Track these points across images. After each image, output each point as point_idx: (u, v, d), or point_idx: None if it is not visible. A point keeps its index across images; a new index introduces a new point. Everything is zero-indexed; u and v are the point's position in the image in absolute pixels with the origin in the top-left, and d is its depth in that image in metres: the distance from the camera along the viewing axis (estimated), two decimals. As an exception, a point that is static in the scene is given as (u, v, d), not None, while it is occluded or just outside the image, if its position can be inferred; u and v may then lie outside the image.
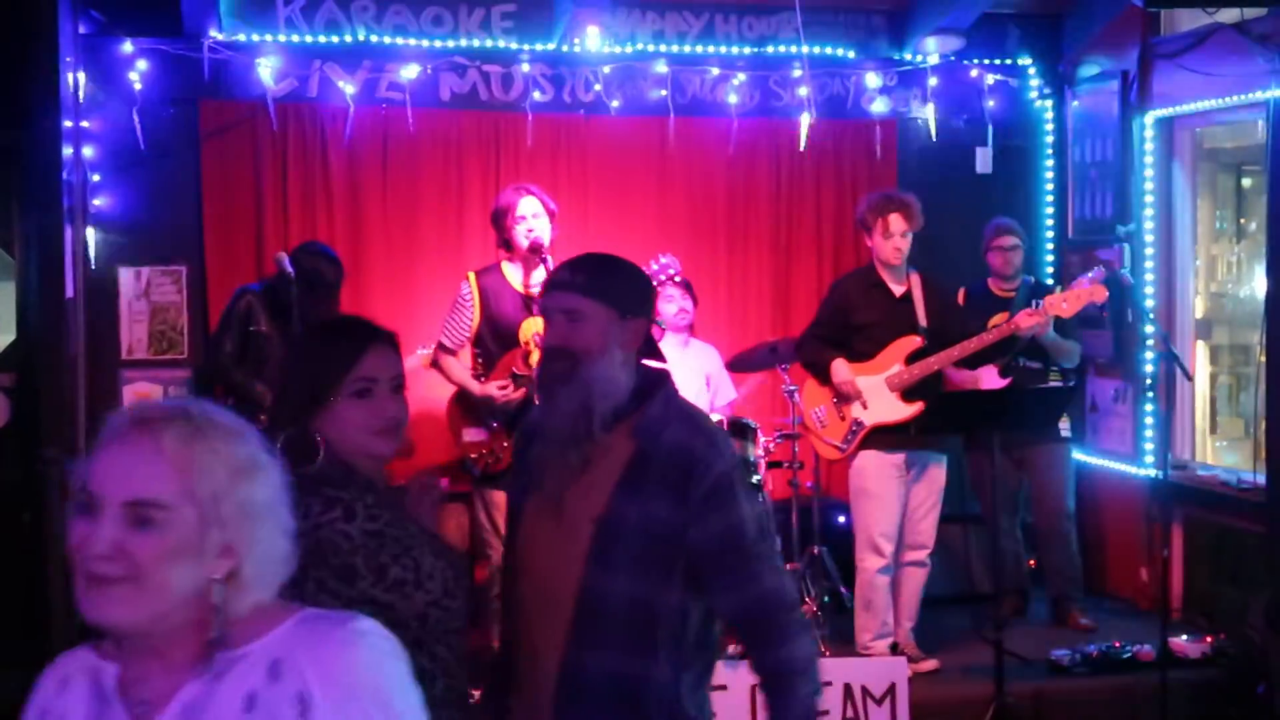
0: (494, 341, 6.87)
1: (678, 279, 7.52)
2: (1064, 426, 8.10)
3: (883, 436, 7.13)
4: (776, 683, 3.29)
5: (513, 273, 6.91)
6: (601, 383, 3.25)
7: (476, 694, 3.48)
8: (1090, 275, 7.38)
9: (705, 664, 3.37)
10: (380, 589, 2.88)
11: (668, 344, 7.85)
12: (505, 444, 6.66)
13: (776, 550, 3.42)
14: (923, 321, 7.22)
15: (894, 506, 7.16)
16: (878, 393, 7.13)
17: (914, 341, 7.17)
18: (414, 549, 2.95)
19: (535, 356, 6.69)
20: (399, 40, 8.47)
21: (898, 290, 7.25)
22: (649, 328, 3.41)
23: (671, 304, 7.73)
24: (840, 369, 7.14)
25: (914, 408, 7.07)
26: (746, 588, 3.25)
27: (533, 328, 6.78)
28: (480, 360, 6.96)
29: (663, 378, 3.41)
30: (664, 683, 3.22)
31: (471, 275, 6.98)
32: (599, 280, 3.31)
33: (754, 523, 3.28)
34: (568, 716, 3.21)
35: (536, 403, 3.50)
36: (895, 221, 7.14)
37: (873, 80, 9.01)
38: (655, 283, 7.58)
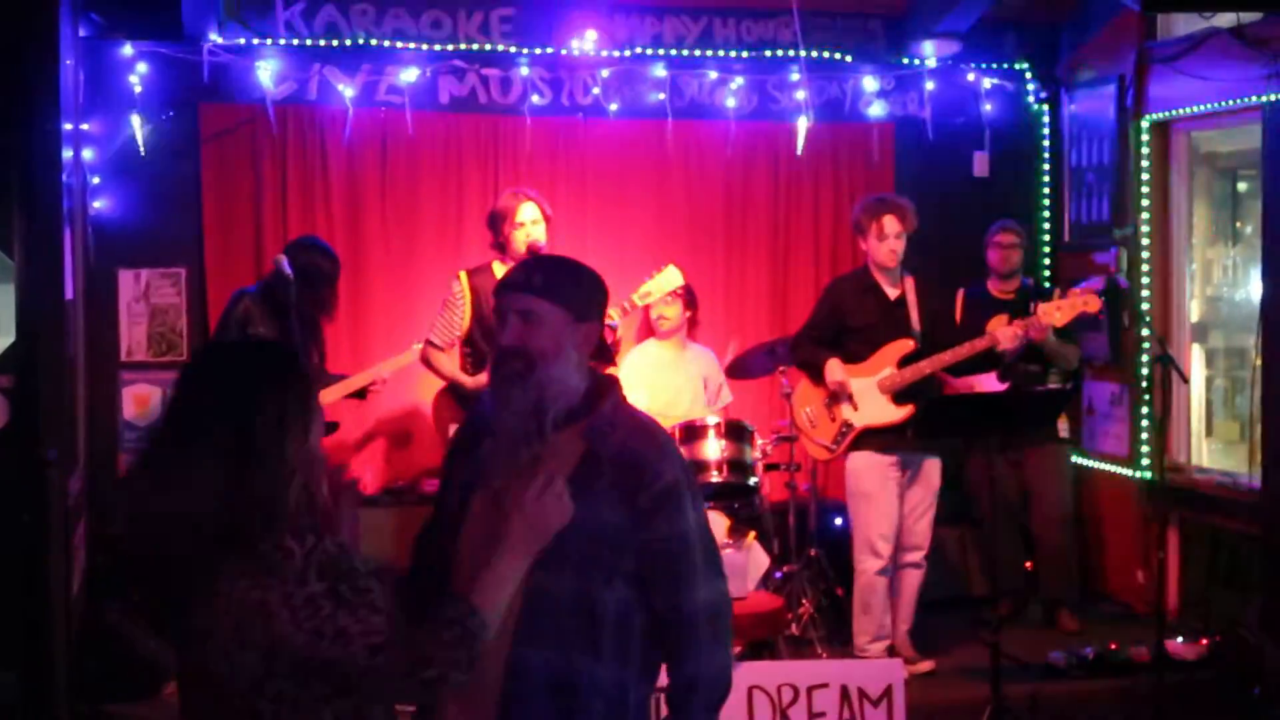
0: (484, 341, 6.90)
1: (679, 293, 7.62)
2: (1063, 428, 8.12)
3: (878, 438, 7.15)
4: (676, 697, 3.35)
5: (504, 272, 6.94)
6: (555, 383, 3.28)
7: None
8: (1087, 284, 7.39)
9: (656, 665, 3.42)
10: (325, 643, 2.80)
11: (664, 347, 7.88)
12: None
13: (718, 558, 3.42)
14: (916, 325, 7.24)
15: (891, 507, 7.18)
16: (869, 395, 7.14)
17: (906, 345, 7.18)
18: (349, 608, 2.84)
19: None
20: (398, 43, 8.48)
21: (892, 293, 7.27)
22: (601, 331, 3.46)
23: (670, 308, 7.77)
24: (834, 369, 7.16)
25: (905, 410, 7.08)
26: (677, 595, 3.30)
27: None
28: (469, 359, 6.99)
29: (613, 382, 3.45)
30: (608, 681, 3.26)
31: (463, 275, 7.01)
32: (555, 283, 3.34)
33: (698, 533, 3.34)
34: (513, 714, 3.23)
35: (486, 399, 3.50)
36: (889, 223, 7.16)
37: (870, 84, 9.03)
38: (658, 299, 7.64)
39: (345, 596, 2.74)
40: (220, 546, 2.75)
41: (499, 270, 6.96)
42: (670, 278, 7.70)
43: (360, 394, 7.53)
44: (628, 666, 3.30)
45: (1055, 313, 7.22)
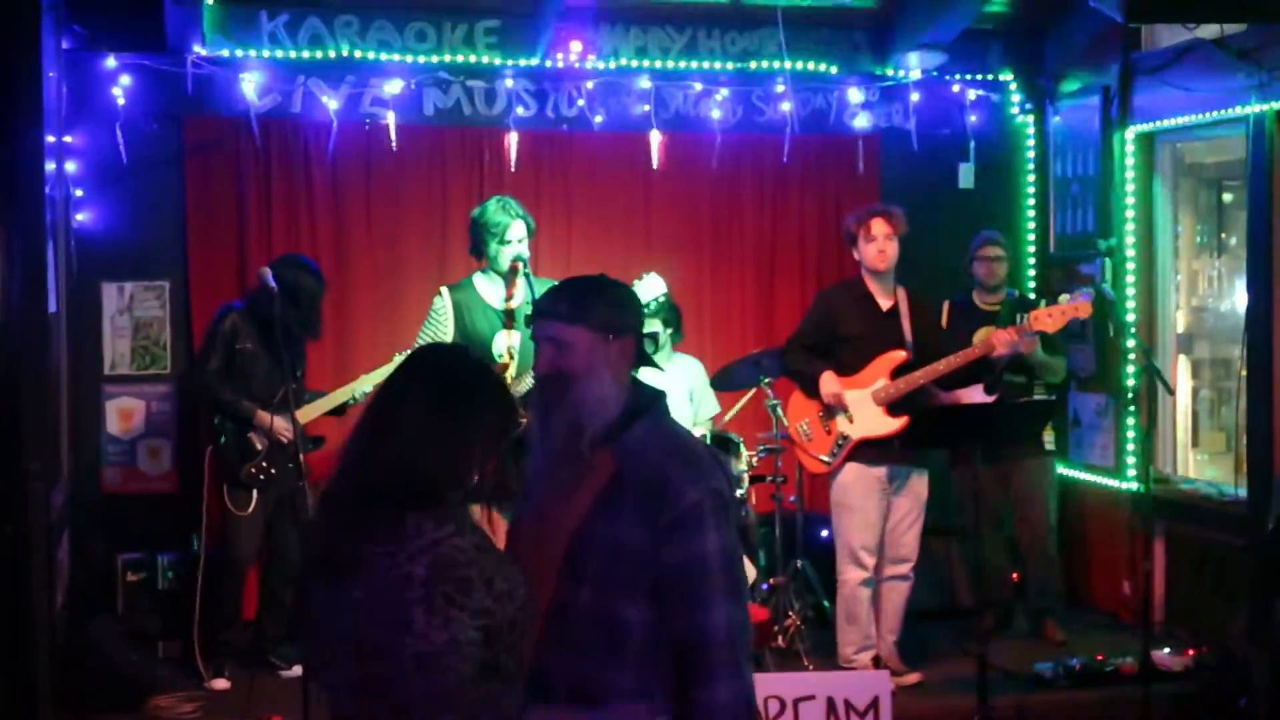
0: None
1: (662, 299, 7.57)
2: (1048, 439, 8.12)
3: (865, 450, 7.14)
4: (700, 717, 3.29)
5: (485, 286, 6.92)
6: (591, 401, 3.34)
7: None
8: (1076, 295, 7.38)
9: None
10: (490, 600, 2.99)
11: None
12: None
13: (741, 586, 3.37)
14: (909, 336, 7.22)
15: (875, 519, 7.16)
16: (863, 406, 7.13)
17: (899, 356, 7.17)
18: (504, 561, 3.12)
19: (512, 370, 6.70)
20: (382, 55, 8.48)
21: (885, 304, 7.25)
22: (638, 344, 3.47)
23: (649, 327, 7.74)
24: (829, 381, 7.14)
25: (899, 422, 7.07)
26: (692, 617, 3.25)
27: (505, 341, 6.79)
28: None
29: (656, 398, 3.47)
30: (629, 690, 3.26)
31: (444, 290, 6.99)
32: (580, 306, 3.39)
33: (719, 556, 3.28)
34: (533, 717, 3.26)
35: (524, 420, 3.57)
36: (878, 225, 7.15)
37: (855, 95, 9.04)
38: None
39: (436, 596, 2.93)
40: (411, 494, 3.00)
41: (480, 284, 6.94)
42: (652, 284, 7.66)
43: (339, 411, 7.52)
44: (652, 686, 3.27)
45: (1047, 319, 7.22)
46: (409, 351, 7.56)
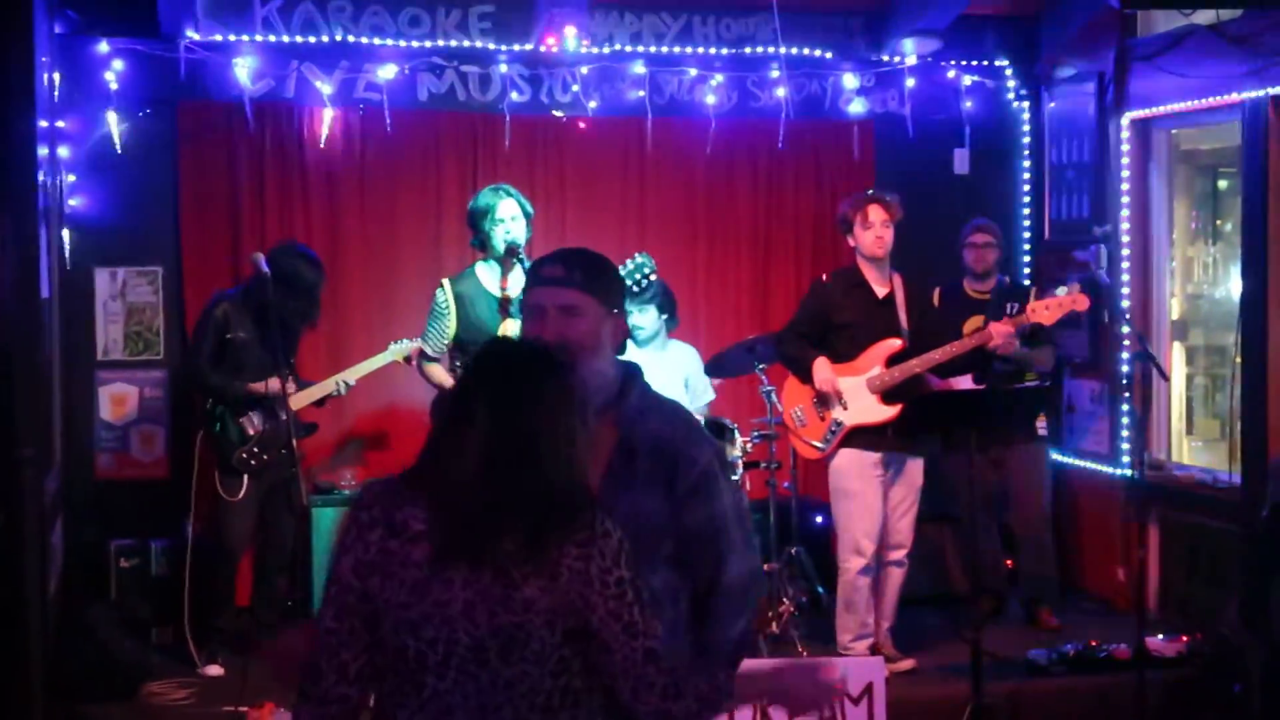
0: (473, 345, 6.84)
1: (653, 277, 7.51)
2: (1041, 426, 8.12)
3: (861, 436, 7.12)
4: (703, 660, 3.33)
5: (486, 275, 6.89)
6: (595, 376, 3.29)
7: None
8: (1072, 286, 7.37)
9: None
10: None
11: (645, 349, 7.85)
12: None
13: (750, 531, 3.53)
14: (904, 324, 7.21)
15: (875, 506, 7.15)
16: (858, 394, 7.12)
17: (895, 344, 7.16)
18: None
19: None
20: (376, 40, 8.45)
21: (880, 291, 7.23)
22: (626, 322, 3.49)
23: (642, 317, 7.68)
24: (822, 369, 7.13)
25: (894, 410, 7.06)
26: (714, 572, 3.36)
27: (509, 330, 6.76)
28: (459, 366, 6.94)
29: (635, 369, 3.47)
30: None
31: (446, 283, 6.95)
32: (593, 276, 3.36)
33: (733, 510, 3.40)
34: None
35: None
36: (874, 211, 7.13)
37: (850, 81, 9.02)
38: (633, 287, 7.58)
39: (641, 591, 2.94)
40: (551, 516, 2.91)
41: (481, 272, 6.92)
42: (643, 262, 7.58)
43: (319, 403, 7.53)
44: (679, 646, 3.28)
45: (1044, 311, 7.21)
46: (403, 341, 7.59)
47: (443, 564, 2.90)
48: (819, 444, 7.23)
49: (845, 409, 7.12)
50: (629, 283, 3.51)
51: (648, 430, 3.33)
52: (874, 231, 7.13)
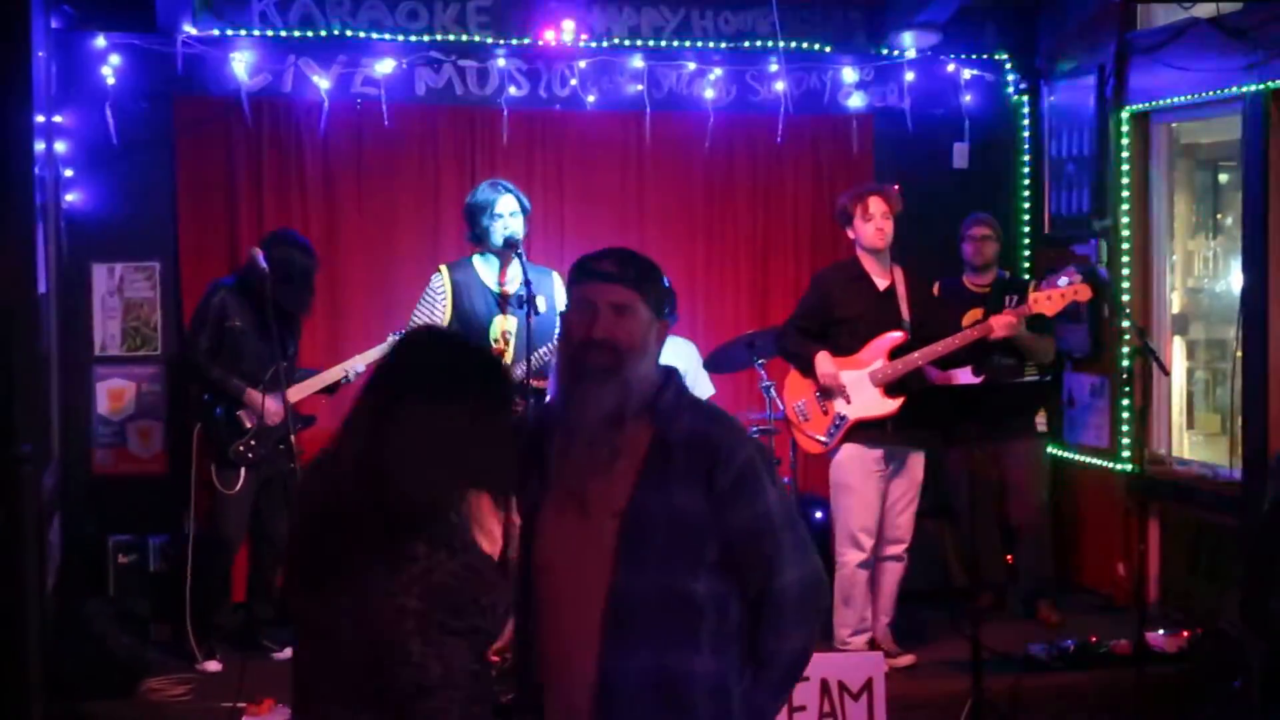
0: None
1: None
2: (1040, 421, 8.10)
3: (862, 431, 7.11)
4: (760, 668, 3.27)
5: (483, 268, 6.88)
6: (639, 381, 3.21)
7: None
8: (1072, 277, 7.36)
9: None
10: (479, 618, 2.96)
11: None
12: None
13: (806, 533, 3.34)
14: (906, 316, 7.19)
15: (874, 501, 7.14)
16: (861, 387, 7.10)
17: (897, 337, 7.14)
18: (486, 571, 3.02)
19: (508, 356, 6.66)
20: (374, 35, 8.43)
21: (882, 284, 7.22)
22: (669, 331, 3.40)
23: None
24: (824, 362, 7.11)
25: (896, 402, 7.05)
26: (768, 577, 3.21)
27: (501, 326, 6.75)
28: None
29: (672, 371, 3.36)
30: (710, 674, 3.18)
31: (444, 268, 6.95)
32: (646, 277, 3.28)
33: (780, 508, 3.25)
34: None
35: (551, 393, 3.47)
36: (875, 203, 7.11)
37: (849, 75, 9.01)
38: None
39: (432, 626, 2.87)
40: (408, 518, 2.91)
41: (479, 265, 6.90)
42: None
43: (330, 390, 7.49)
44: (726, 657, 3.22)
45: (1046, 302, 7.20)
46: (402, 333, 7.59)
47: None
48: (823, 438, 7.21)
49: (848, 402, 7.11)
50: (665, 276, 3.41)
51: (684, 425, 3.22)
52: (874, 223, 7.11)
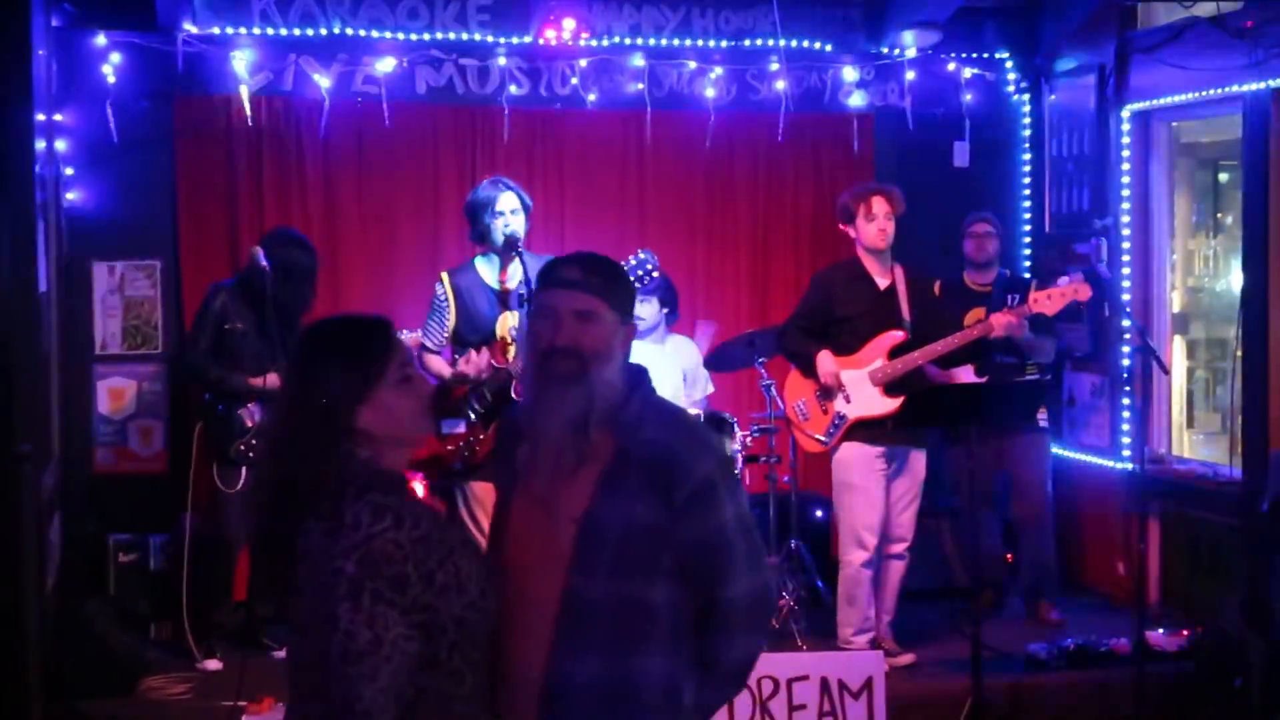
0: (472, 337, 6.84)
1: (655, 274, 7.54)
2: (1042, 417, 8.09)
3: (864, 430, 7.11)
4: (707, 671, 3.30)
5: (485, 268, 6.88)
6: (604, 387, 3.22)
7: None
8: (1073, 276, 7.36)
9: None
10: (429, 595, 2.93)
11: (645, 341, 7.85)
12: (482, 435, 6.62)
13: (759, 547, 3.35)
14: (906, 315, 7.19)
15: (878, 499, 7.13)
16: (861, 386, 7.10)
17: (897, 336, 7.14)
18: (454, 553, 3.01)
19: (513, 351, 6.66)
20: (374, 33, 8.43)
21: (882, 283, 7.22)
22: (636, 332, 3.42)
23: (645, 308, 7.73)
24: (825, 361, 7.11)
25: (896, 402, 7.04)
26: (715, 589, 3.24)
27: (509, 322, 6.75)
28: (459, 356, 6.93)
29: (641, 374, 3.37)
30: (662, 673, 3.20)
31: (445, 276, 6.93)
32: (610, 283, 3.28)
33: (736, 523, 3.25)
34: None
35: (518, 397, 3.49)
36: (878, 203, 7.11)
37: (850, 74, 9.01)
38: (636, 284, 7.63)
39: (363, 594, 2.87)
40: (302, 505, 2.97)
41: (480, 265, 6.90)
42: (647, 258, 7.64)
43: None
44: (679, 659, 3.24)
45: (1046, 301, 7.20)
46: (404, 332, 7.56)
47: None
48: (822, 437, 7.21)
49: (848, 401, 7.10)
50: (631, 278, 3.41)
51: (645, 437, 3.23)
52: (877, 223, 7.11)
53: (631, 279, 3.40)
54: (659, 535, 3.18)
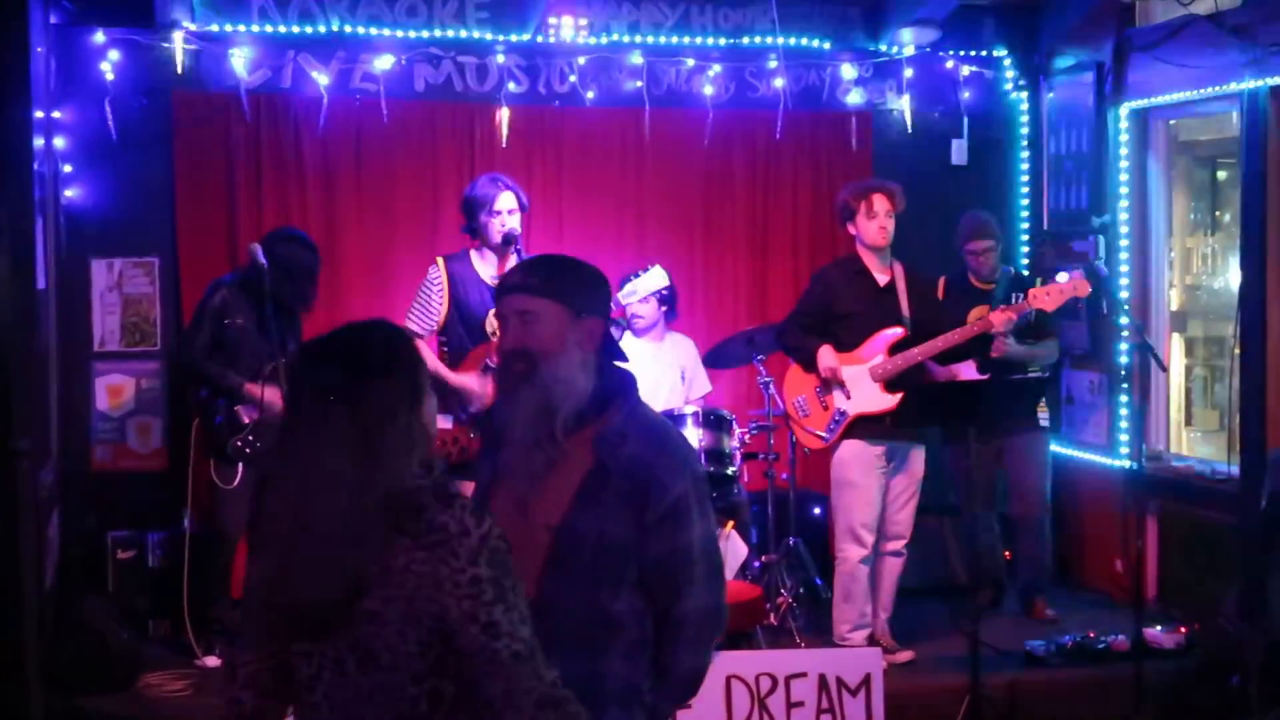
0: (463, 330, 6.84)
1: (664, 292, 7.69)
2: (1043, 416, 8.10)
3: (864, 427, 7.12)
4: (661, 678, 3.38)
5: (480, 263, 6.89)
6: (561, 383, 3.26)
7: None
8: (1072, 273, 7.36)
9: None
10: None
11: (643, 339, 7.87)
12: (471, 435, 6.63)
13: (717, 570, 3.43)
14: (906, 312, 7.20)
15: (875, 496, 7.14)
16: (861, 383, 7.11)
17: (897, 332, 7.15)
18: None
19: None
20: (373, 31, 8.43)
21: (882, 279, 7.23)
22: (606, 327, 3.42)
23: (644, 306, 7.78)
24: (826, 356, 7.12)
25: (896, 398, 7.05)
26: (672, 602, 3.32)
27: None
28: (447, 350, 6.92)
29: (626, 383, 3.41)
30: (621, 677, 3.29)
31: (440, 260, 6.95)
32: (551, 280, 3.33)
33: (700, 544, 3.32)
34: None
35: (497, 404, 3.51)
36: (879, 201, 7.13)
37: (848, 72, 9.01)
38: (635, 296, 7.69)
39: (507, 591, 2.82)
40: (389, 524, 2.81)
41: (475, 259, 6.91)
42: (656, 278, 7.74)
43: None
44: (638, 664, 3.32)
45: (1045, 298, 7.20)
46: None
47: None
48: (823, 434, 7.22)
49: (848, 398, 7.11)
50: (585, 273, 3.40)
51: (626, 452, 3.28)
52: (878, 221, 7.13)
53: (593, 274, 3.39)
54: (628, 549, 3.25)
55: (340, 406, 2.86)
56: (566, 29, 8.56)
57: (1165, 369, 8.08)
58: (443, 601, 2.79)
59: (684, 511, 3.28)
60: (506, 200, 6.84)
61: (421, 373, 2.99)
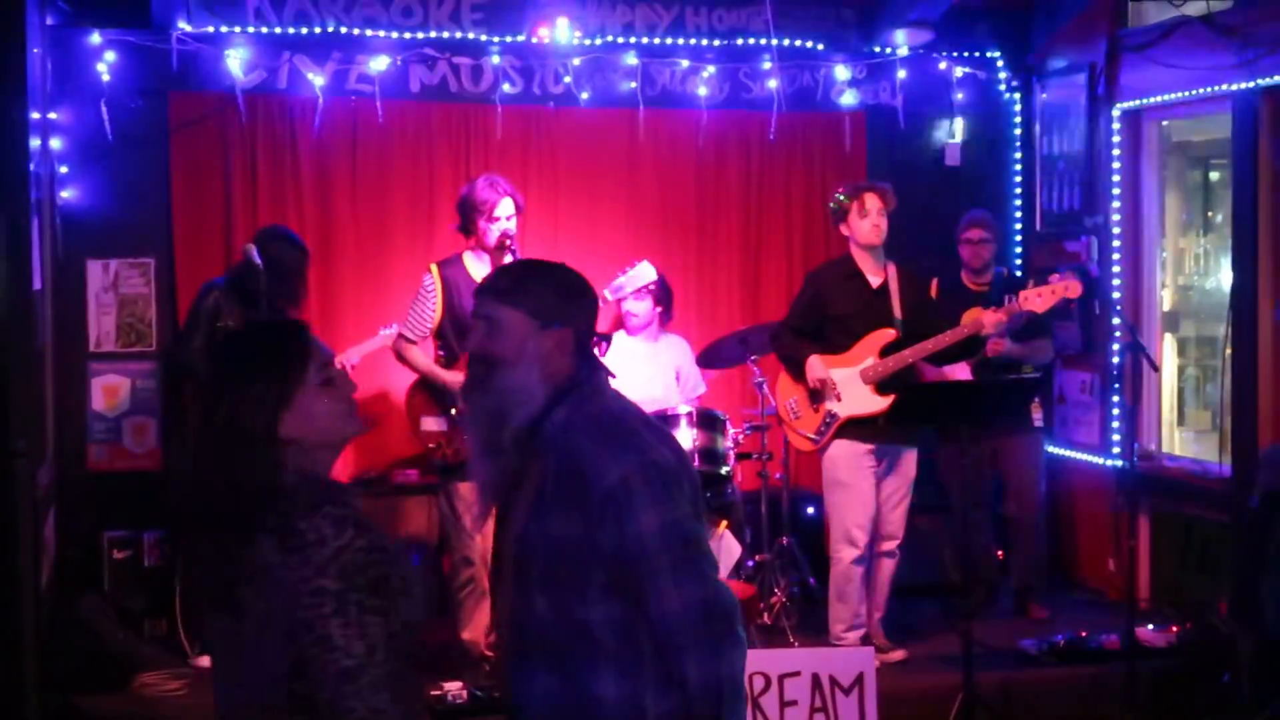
0: (455, 334, 6.86)
1: (651, 287, 7.69)
2: (1037, 417, 8.12)
3: (855, 427, 7.13)
4: (682, 692, 3.09)
5: (474, 265, 6.91)
6: (515, 392, 3.16)
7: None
8: (1065, 274, 7.38)
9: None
10: (388, 598, 2.88)
11: (636, 339, 7.89)
12: (465, 436, 6.65)
13: (698, 559, 3.10)
14: (898, 314, 7.21)
15: (868, 497, 7.15)
16: (852, 385, 7.12)
17: (888, 334, 7.16)
18: (399, 557, 2.96)
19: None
20: (368, 32, 8.44)
21: (875, 281, 7.24)
22: (574, 338, 3.23)
23: (639, 304, 7.81)
24: (815, 366, 7.13)
25: (888, 400, 7.06)
26: (647, 602, 3.05)
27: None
28: (442, 353, 6.95)
29: (583, 379, 3.23)
30: (619, 697, 3.08)
31: (434, 267, 6.98)
32: (520, 287, 3.22)
33: (662, 533, 3.04)
34: None
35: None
36: (871, 200, 7.14)
37: (842, 72, 9.03)
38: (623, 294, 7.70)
39: (349, 605, 2.80)
40: (256, 523, 2.85)
41: (469, 261, 6.93)
42: (643, 273, 7.74)
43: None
44: (639, 680, 3.08)
45: (1036, 299, 7.22)
46: (394, 326, 7.61)
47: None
48: (813, 436, 7.23)
49: (839, 401, 7.13)
50: (555, 280, 3.34)
51: (561, 446, 3.12)
52: (870, 220, 7.14)
53: (567, 281, 3.29)
54: (582, 549, 3.05)
55: (228, 395, 2.94)
56: (561, 32, 8.57)
57: (1157, 369, 8.10)
58: (289, 607, 2.81)
59: (624, 498, 3.02)
60: (505, 207, 6.88)
61: (292, 380, 2.96)
